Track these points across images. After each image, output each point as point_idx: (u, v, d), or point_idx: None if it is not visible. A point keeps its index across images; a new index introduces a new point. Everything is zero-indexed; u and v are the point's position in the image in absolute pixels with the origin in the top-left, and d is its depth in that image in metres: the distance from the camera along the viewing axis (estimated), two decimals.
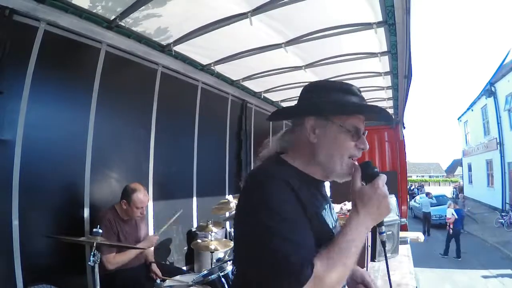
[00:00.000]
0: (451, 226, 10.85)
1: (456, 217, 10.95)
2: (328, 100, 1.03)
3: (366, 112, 1.07)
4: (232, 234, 3.98)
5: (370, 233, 3.13)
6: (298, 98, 1.13)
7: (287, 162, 1.06)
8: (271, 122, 6.43)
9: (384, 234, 1.05)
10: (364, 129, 1.05)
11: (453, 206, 11.69)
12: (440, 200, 17.33)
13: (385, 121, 1.13)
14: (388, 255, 3.35)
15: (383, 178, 0.98)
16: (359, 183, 0.99)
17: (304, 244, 0.85)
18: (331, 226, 1.06)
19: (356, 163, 1.04)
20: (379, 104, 6.11)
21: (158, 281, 2.44)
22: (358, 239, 0.90)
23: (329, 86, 1.08)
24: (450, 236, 10.71)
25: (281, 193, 0.91)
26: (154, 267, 2.89)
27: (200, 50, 3.55)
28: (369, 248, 3.20)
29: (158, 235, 2.96)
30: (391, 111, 6.57)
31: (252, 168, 5.51)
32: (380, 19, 2.78)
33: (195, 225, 4.18)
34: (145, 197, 2.79)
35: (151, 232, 3.37)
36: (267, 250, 0.84)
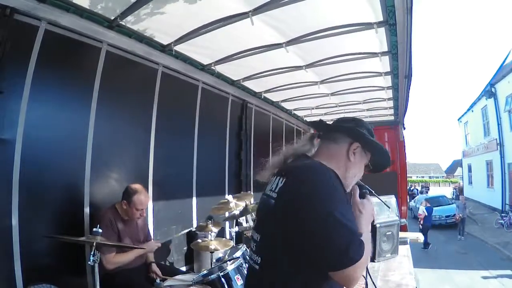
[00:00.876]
0: (421, 222, 12.70)
1: (426, 214, 12.74)
2: (368, 137, 1.35)
3: (381, 163, 1.45)
4: (232, 234, 3.98)
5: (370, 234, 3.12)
6: (337, 120, 1.47)
7: (326, 166, 1.23)
8: (271, 123, 6.46)
9: (377, 225, 1.34)
10: None
11: (424, 203, 13.44)
12: (440, 201, 17.36)
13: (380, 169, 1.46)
14: (388, 255, 3.37)
15: (369, 197, 1.38)
16: (358, 197, 1.33)
17: (355, 229, 1.12)
18: None
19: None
20: (379, 104, 6.12)
21: (158, 280, 2.44)
22: (366, 230, 1.24)
23: (368, 128, 1.40)
24: (421, 231, 11.60)
25: (337, 184, 1.18)
26: (154, 267, 2.89)
27: (200, 50, 3.55)
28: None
29: (160, 242, 2.99)
30: (391, 111, 6.58)
31: (252, 166, 5.53)
32: (381, 19, 2.78)
33: (194, 225, 4.18)
34: (146, 199, 2.79)
35: (151, 232, 3.36)
36: (342, 228, 1.06)
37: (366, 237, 1.16)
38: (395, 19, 2.68)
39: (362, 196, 1.35)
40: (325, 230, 1.04)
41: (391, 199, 3.84)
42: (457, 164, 41.56)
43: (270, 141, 6.49)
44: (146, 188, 3.44)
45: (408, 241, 4.49)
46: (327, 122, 1.45)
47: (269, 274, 1.17)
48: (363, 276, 1.34)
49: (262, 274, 1.20)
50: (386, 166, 1.46)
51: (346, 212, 1.10)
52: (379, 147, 1.38)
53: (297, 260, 1.11)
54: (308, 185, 1.12)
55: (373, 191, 1.43)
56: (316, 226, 1.06)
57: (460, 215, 13.47)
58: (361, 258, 1.05)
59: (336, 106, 6.24)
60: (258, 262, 1.21)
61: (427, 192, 27.94)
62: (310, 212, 1.08)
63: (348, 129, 1.35)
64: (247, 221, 4.67)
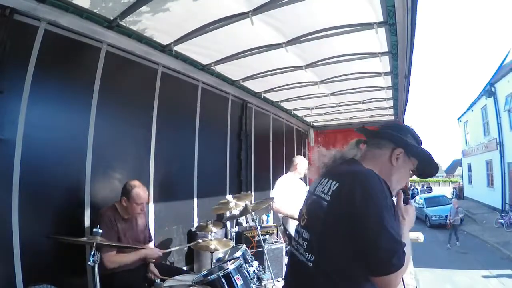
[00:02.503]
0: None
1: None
2: (413, 144, 1.40)
3: (428, 171, 1.47)
4: (232, 234, 3.99)
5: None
6: (382, 126, 1.50)
7: (377, 174, 1.28)
8: (271, 123, 6.46)
9: None
10: None
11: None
12: (440, 200, 17.34)
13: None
14: None
15: (411, 202, 1.45)
16: (402, 203, 1.40)
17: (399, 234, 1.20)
18: None
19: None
20: (380, 104, 6.12)
21: (158, 281, 2.44)
22: (407, 236, 1.32)
23: (413, 134, 1.45)
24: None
25: (389, 193, 1.25)
26: (152, 267, 2.89)
27: (200, 50, 3.54)
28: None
29: (163, 252, 3.02)
30: (391, 111, 6.58)
31: (252, 166, 5.53)
32: (381, 19, 2.78)
33: (195, 225, 4.18)
34: (144, 193, 2.81)
35: (152, 232, 3.36)
36: (390, 237, 1.13)
37: (407, 244, 1.21)
38: (395, 19, 2.68)
39: (406, 202, 1.41)
40: (375, 238, 1.12)
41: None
42: (457, 163, 41.53)
43: (270, 141, 6.49)
44: (147, 188, 3.45)
45: None
46: (371, 129, 1.49)
47: (322, 272, 1.23)
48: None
49: (315, 272, 1.25)
50: (432, 174, 1.47)
51: (393, 221, 1.18)
52: (423, 154, 1.41)
53: (349, 261, 1.18)
54: (363, 194, 1.17)
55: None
56: (367, 233, 1.14)
57: (451, 221, 12.28)
58: (403, 266, 1.14)
59: (336, 106, 6.24)
60: (312, 260, 1.26)
61: (429, 192, 27.77)
62: (363, 219, 1.15)
63: (390, 135, 1.41)
64: (247, 221, 4.66)
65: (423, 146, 1.46)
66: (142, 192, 2.78)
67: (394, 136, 1.40)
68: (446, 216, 15.14)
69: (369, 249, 1.13)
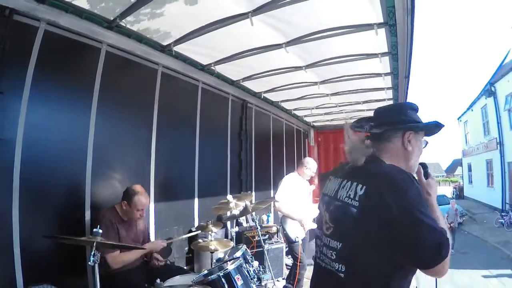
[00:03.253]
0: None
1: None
2: (414, 119, 1.38)
3: (437, 131, 1.43)
4: (232, 234, 3.98)
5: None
6: (378, 116, 1.45)
7: (400, 168, 1.28)
8: (271, 123, 6.46)
9: None
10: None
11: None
12: (440, 200, 17.30)
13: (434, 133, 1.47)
14: None
15: (432, 175, 1.43)
16: (423, 179, 1.40)
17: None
18: None
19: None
20: (380, 104, 6.10)
21: (158, 280, 2.44)
22: (438, 211, 1.31)
23: (409, 106, 1.42)
24: None
25: (417, 183, 1.23)
26: (156, 254, 2.91)
27: (200, 50, 3.54)
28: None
29: (167, 242, 3.03)
30: None
31: (252, 166, 5.53)
32: (381, 20, 2.78)
33: (196, 225, 4.18)
34: (146, 200, 2.81)
35: (152, 232, 3.37)
36: (432, 231, 1.11)
37: (441, 220, 1.23)
38: (395, 19, 2.68)
39: (426, 175, 1.40)
40: (418, 237, 1.10)
41: None
42: (457, 163, 41.53)
43: (271, 141, 6.49)
44: (148, 188, 3.46)
45: None
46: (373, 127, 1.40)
47: (356, 282, 1.20)
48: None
49: (348, 282, 1.21)
50: (439, 131, 1.43)
51: (428, 210, 1.16)
52: (429, 125, 1.39)
53: (386, 266, 1.16)
54: (394, 194, 1.13)
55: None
56: (410, 233, 1.10)
57: (451, 224, 11.51)
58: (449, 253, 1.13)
59: (336, 106, 6.24)
60: (343, 270, 1.22)
61: None
62: (400, 221, 1.11)
63: (393, 123, 1.37)
64: (247, 221, 4.67)
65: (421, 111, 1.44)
66: (144, 198, 2.78)
67: (398, 121, 1.37)
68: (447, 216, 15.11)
69: (417, 247, 1.11)
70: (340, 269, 1.22)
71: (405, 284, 1.23)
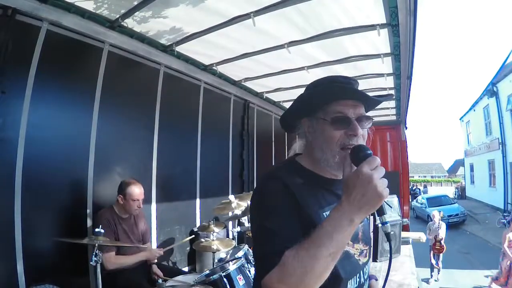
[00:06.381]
0: None
1: None
2: (304, 99, 1.07)
3: (342, 95, 1.01)
4: (234, 234, 4.00)
5: (372, 233, 3.12)
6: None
7: (298, 162, 1.09)
8: (273, 123, 6.45)
9: (388, 224, 0.92)
10: (358, 114, 1.01)
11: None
12: (442, 200, 17.29)
13: (375, 103, 1.08)
14: None
15: (370, 161, 0.84)
16: (349, 170, 0.90)
17: (281, 236, 0.88)
18: None
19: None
20: (382, 104, 6.06)
21: (160, 281, 2.44)
22: (335, 231, 0.81)
23: (317, 81, 1.09)
24: None
25: (273, 191, 0.96)
26: (155, 268, 2.90)
27: (202, 51, 3.54)
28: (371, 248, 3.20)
29: (164, 250, 3.04)
30: (393, 111, 6.56)
31: (254, 166, 5.53)
32: (384, 20, 2.77)
33: (198, 225, 4.18)
34: (140, 189, 2.84)
35: (154, 233, 3.37)
36: (256, 238, 0.97)
37: (331, 237, 0.81)
38: (398, 20, 2.67)
39: (358, 161, 0.87)
40: (255, 245, 0.98)
41: (393, 199, 3.85)
42: (459, 163, 41.41)
43: (273, 141, 6.49)
44: (150, 188, 3.47)
45: (411, 241, 4.49)
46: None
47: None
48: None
49: None
50: (356, 94, 1.04)
51: (264, 221, 0.93)
52: (316, 94, 1.05)
53: None
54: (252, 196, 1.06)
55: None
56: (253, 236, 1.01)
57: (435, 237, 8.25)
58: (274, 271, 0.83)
59: None
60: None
61: (424, 192, 26.27)
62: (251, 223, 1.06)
63: (291, 117, 1.15)
64: (249, 221, 4.66)
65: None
66: (137, 188, 2.82)
67: (292, 114, 1.13)
68: (449, 216, 15.02)
69: (255, 247, 0.99)
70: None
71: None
